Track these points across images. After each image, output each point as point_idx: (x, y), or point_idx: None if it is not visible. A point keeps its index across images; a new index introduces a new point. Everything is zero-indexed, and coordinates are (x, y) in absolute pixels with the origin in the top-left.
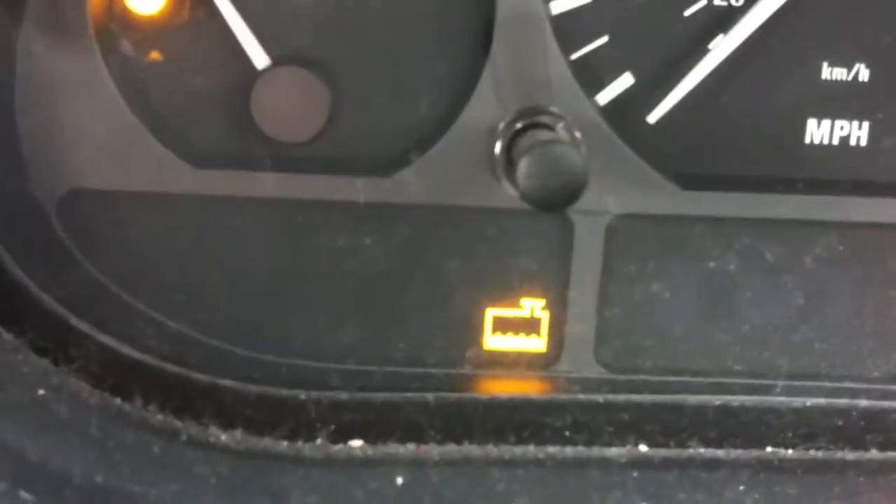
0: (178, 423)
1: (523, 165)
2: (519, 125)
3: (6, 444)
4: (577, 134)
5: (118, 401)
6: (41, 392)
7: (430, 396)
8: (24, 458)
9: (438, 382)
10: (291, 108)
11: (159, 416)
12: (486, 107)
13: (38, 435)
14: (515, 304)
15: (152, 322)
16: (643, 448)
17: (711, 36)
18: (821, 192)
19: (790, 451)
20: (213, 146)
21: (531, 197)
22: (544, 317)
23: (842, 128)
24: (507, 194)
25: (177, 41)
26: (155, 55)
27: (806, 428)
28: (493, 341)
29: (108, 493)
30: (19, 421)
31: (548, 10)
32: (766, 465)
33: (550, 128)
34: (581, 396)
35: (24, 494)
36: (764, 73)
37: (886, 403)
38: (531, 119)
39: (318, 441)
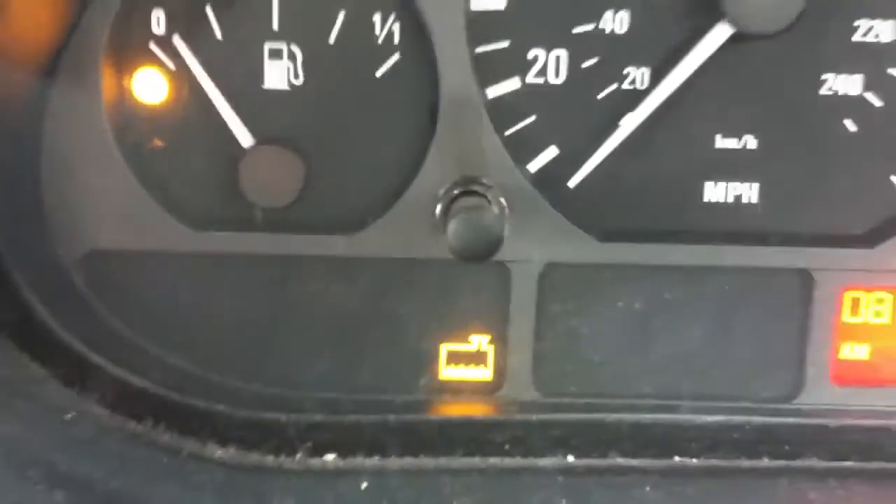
0: (181, 441)
1: (451, 228)
2: (455, 192)
3: (42, 457)
4: (502, 200)
5: (132, 423)
6: (69, 416)
7: (391, 418)
8: (57, 469)
9: (399, 406)
10: (273, 178)
11: (166, 436)
12: (433, 177)
13: (67, 450)
14: (465, 340)
15: (159, 359)
16: (570, 458)
17: (621, 113)
18: (716, 242)
19: (694, 460)
20: (209, 212)
21: (456, 251)
22: (490, 350)
23: (735, 188)
24: None
25: (177, 125)
26: (159, 136)
27: (708, 441)
28: (447, 372)
29: (123, 495)
30: (52, 439)
31: (484, 95)
32: (672, 471)
33: (482, 195)
34: (518, 416)
35: (57, 495)
36: (666, 144)
37: (775, 419)
38: (465, 187)
39: (298, 455)
